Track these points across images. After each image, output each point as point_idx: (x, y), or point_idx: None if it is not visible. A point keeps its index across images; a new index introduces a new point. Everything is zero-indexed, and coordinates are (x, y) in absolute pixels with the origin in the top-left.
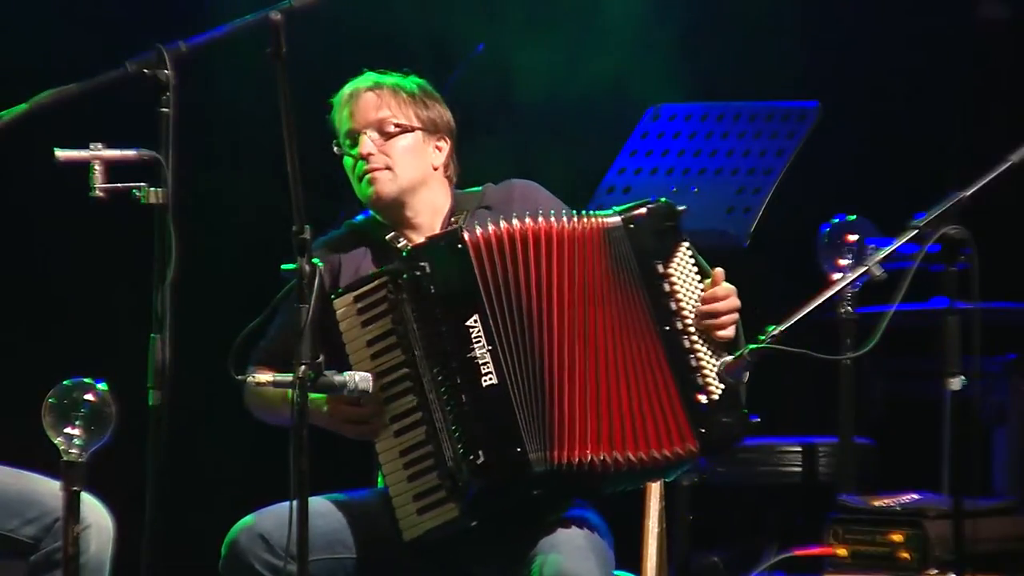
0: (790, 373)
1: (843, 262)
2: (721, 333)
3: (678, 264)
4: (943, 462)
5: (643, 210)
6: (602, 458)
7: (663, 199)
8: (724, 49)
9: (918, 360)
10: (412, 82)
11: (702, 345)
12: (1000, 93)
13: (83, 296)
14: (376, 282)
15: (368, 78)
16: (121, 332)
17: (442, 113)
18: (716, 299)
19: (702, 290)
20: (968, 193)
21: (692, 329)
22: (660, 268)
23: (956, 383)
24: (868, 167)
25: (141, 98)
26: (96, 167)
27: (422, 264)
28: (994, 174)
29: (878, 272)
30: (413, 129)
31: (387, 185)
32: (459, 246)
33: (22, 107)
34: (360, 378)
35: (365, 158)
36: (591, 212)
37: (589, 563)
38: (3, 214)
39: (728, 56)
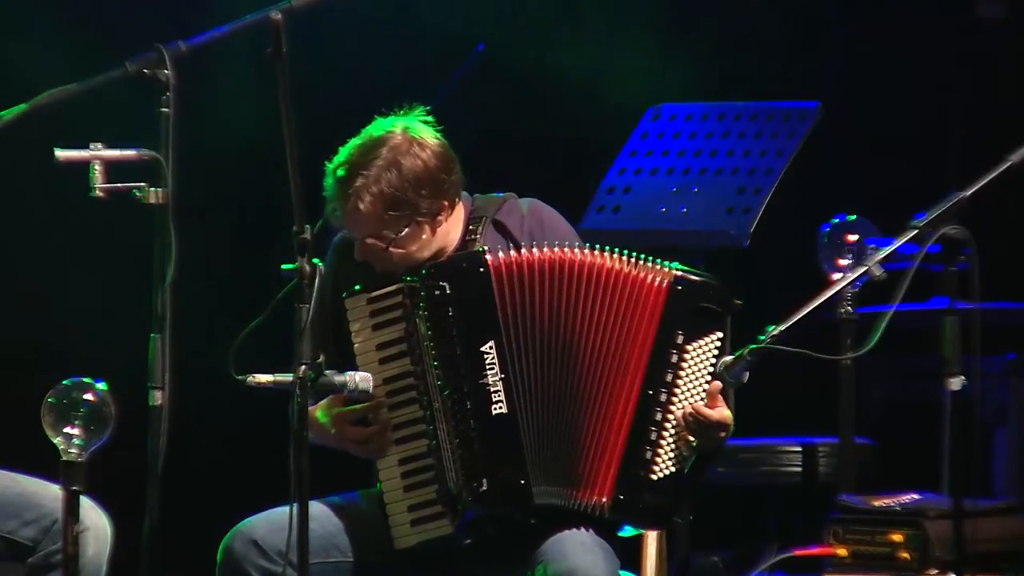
0: (790, 373)
1: (843, 262)
2: (687, 442)
3: (699, 348)
4: (943, 462)
5: (699, 279)
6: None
7: (721, 284)
8: (724, 49)
9: (918, 360)
10: (391, 165)
11: (672, 427)
12: (1000, 93)
13: (83, 296)
14: (392, 287)
15: (351, 187)
16: (121, 332)
17: (430, 179)
18: (705, 417)
19: (705, 390)
20: (968, 193)
21: (673, 409)
22: (679, 339)
23: (956, 383)
24: (868, 167)
25: (141, 98)
26: (96, 167)
27: (442, 284)
28: (994, 174)
29: (878, 272)
30: (401, 231)
31: (390, 268)
32: (481, 270)
33: (22, 107)
34: (360, 378)
35: (367, 258)
36: (648, 257)
37: (595, 558)
38: (3, 214)
39: (728, 56)
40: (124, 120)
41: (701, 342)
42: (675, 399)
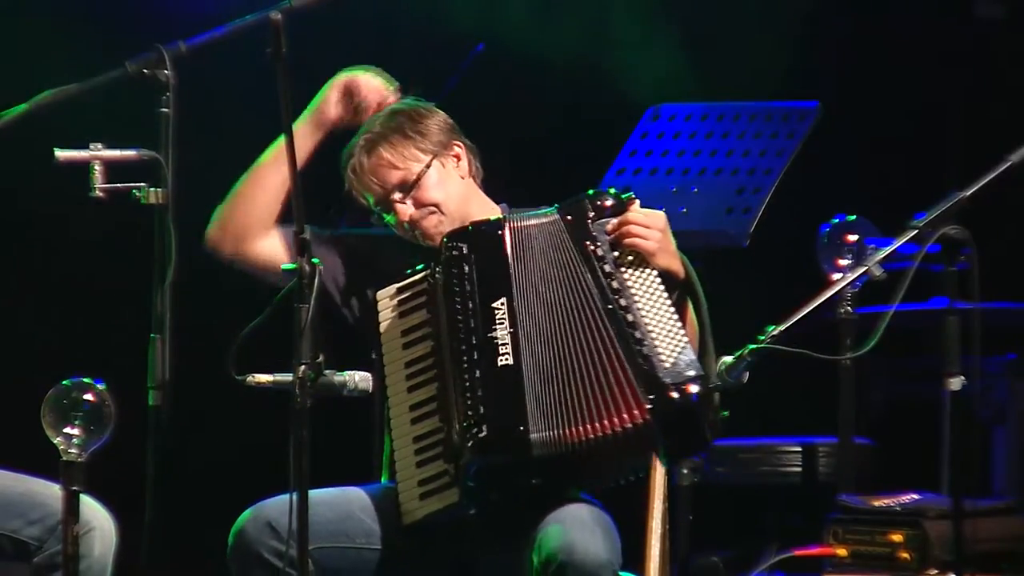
0: (790, 373)
1: (843, 262)
2: (635, 240)
3: (620, 246)
4: (943, 462)
5: (582, 199)
6: (582, 438)
7: (612, 189)
8: (724, 49)
9: (918, 360)
10: (394, 113)
11: (650, 319)
12: (999, 93)
13: (83, 296)
14: (419, 275)
15: (359, 144)
16: (121, 332)
17: (436, 122)
18: (626, 220)
19: (648, 266)
20: (968, 193)
21: (639, 305)
22: (600, 251)
23: (956, 383)
24: (868, 167)
25: (141, 98)
26: (96, 167)
27: (460, 245)
28: (994, 174)
29: (878, 272)
30: (429, 164)
31: (443, 227)
32: (498, 232)
33: (22, 107)
34: (360, 378)
35: (411, 222)
36: (528, 213)
37: (595, 536)
38: (3, 214)
39: (728, 56)
40: (124, 120)
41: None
42: (634, 294)
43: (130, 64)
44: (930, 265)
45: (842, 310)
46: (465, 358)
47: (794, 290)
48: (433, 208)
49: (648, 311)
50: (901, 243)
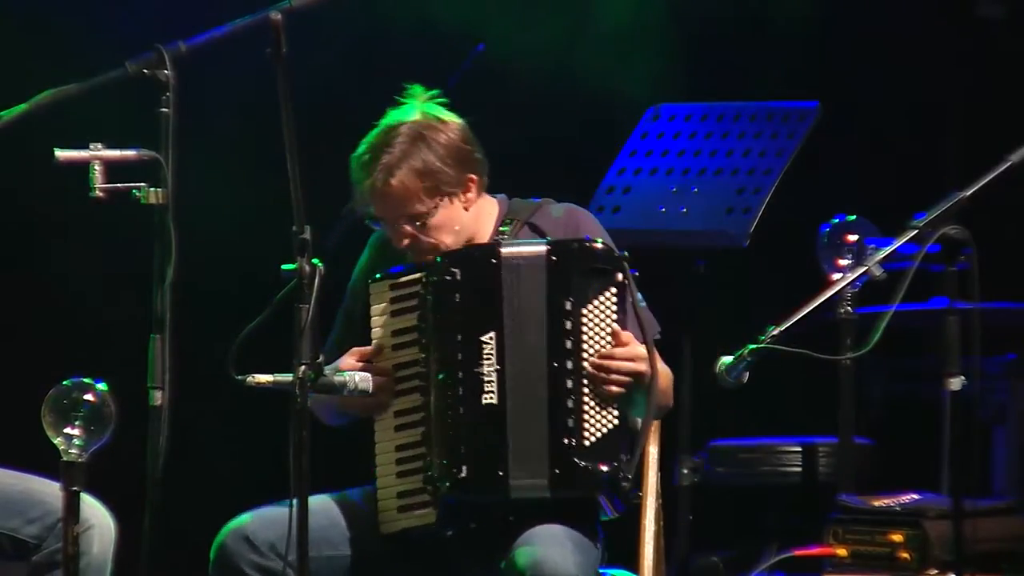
0: (790, 373)
1: (843, 262)
2: (609, 388)
3: (593, 308)
4: (943, 462)
5: (574, 245)
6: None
7: (600, 241)
8: (724, 49)
9: (918, 360)
10: (414, 138)
11: (589, 391)
12: (999, 93)
13: (83, 296)
14: (413, 276)
15: (377, 166)
16: (121, 332)
17: (455, 147)
18: (612, 357)
19: (609, 342)
20: (968, 193)
21: (584, 373)
22: (568, 306)
23: (956, 383)
24: (868, 167)
25: (141, 98)
26: (96, 167)
27: (453, 270)
28: (994, 174)
29: (878, 272)
30: (438, 206)
31: (426, 255)
32: (493, 260)
33: (22, 107)
34: (360, 378)
35: (409, 247)
36: (521, 240)
37: (564, 550)
38: (3, 214)
39: (728, 56)
40: (124, 120)
41: (594, 303)
42: (583, 362)
43: (130, 64)
44: (930, 265)
45: (842, 310)
46: (450, 391)
47: (794, 290)
48: (430, 244)
49: (591, 383)
50: (901, 243)
